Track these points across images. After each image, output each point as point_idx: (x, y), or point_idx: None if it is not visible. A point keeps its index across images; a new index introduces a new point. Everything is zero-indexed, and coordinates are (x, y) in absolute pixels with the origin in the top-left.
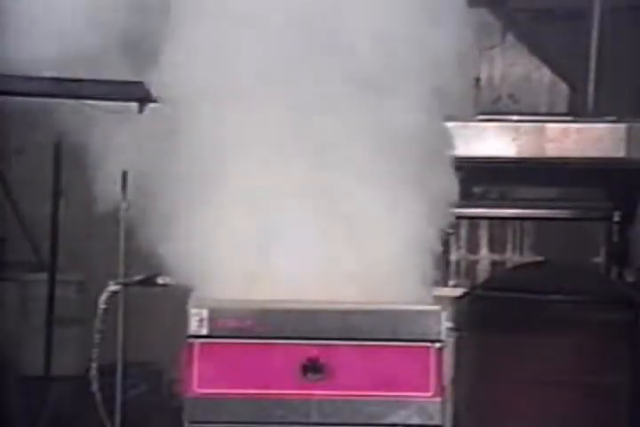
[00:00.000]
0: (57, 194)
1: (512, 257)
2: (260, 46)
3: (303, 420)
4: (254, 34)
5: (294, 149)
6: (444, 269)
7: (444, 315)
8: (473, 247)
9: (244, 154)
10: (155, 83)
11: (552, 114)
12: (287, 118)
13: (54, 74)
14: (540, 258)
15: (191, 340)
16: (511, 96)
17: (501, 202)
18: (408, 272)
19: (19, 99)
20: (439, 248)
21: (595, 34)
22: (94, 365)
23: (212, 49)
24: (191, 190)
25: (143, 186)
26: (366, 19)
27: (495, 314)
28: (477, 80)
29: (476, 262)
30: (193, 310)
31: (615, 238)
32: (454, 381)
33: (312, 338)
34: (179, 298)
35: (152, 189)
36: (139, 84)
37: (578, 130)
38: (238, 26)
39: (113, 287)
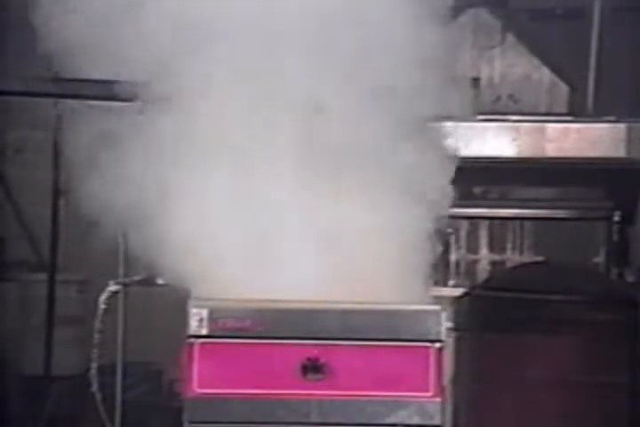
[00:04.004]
0: (57, 194)
1: (512, 257)
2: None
3: (303, 420)
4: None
5: (292, 148)
6: (444, 269)
7: (443, 315)
8: (473, 247)
9: (241, 155)
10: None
11: (552, 114)
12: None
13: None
14: (540, 258)
15: (191, 340)
16: (511, 96)
17: (501, 202)
18: (407, 272)
19: (19, 98)
20: (438, 248)
21: (595, 34)
22: (94, 365)
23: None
24: (189, 191)
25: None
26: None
27: (495, 314)
28: (477, 80)
29: (475, 262)
30: (193, 310)
31: (615, 238)
32: (454, 381)
33: (312, 338)
34: (179, 298)
35: (150, 190)
36: (139, 84)
37: (578, 130)
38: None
39: (113, 287)
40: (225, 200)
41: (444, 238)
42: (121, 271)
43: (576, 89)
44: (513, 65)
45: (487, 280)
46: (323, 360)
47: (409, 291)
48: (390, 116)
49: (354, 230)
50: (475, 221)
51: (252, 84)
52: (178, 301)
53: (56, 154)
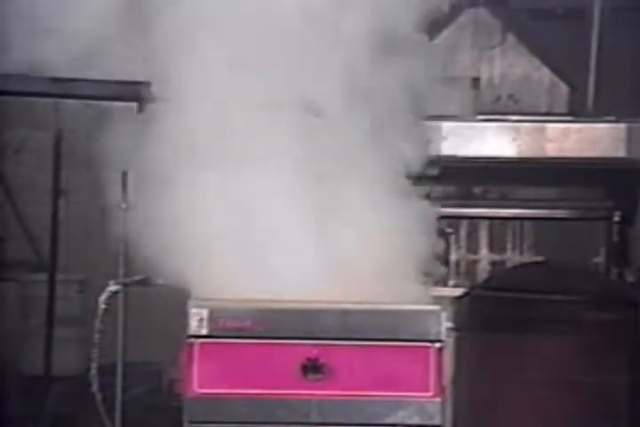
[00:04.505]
0: (57, 194)
1: (512, 257)
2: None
3: (303, 420)
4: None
5: (291, 149)
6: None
7: (443, 315)
8: (473, 247)
9: (240, 153)
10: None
11: (552, 114)
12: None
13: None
14: (540, 258)
15: (191, 340)
16: (511, 96)
17: (501, 202)
18: (407, 272)
19: (19, 98)
20: (439, 248)
21: (595, 34)
22: (94, 365)
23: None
24: (189, 191)
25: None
26: None
27: (495, 314)
28: (477, 80)
29: (475, 262)
30: (193, 310)
31: (615, 238)
32: (454, 381)
33: (312, 338)
34: (179, 298)
35: (149, 190)
36: (139, 83)
37: (578, 130)
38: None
39: (113, 287)
40: (224, 201)
41: (443, 238)
42: (121, 271)
43: (576, 89)
44: (513, 65)
45: (487, 280)
46: (323, 360)
47: (409, 291)
48: (386, 115)
49: (353, 231)
50: (475, 221)
51: (248, 84)
52: (178, 301)
53: (56, 154)
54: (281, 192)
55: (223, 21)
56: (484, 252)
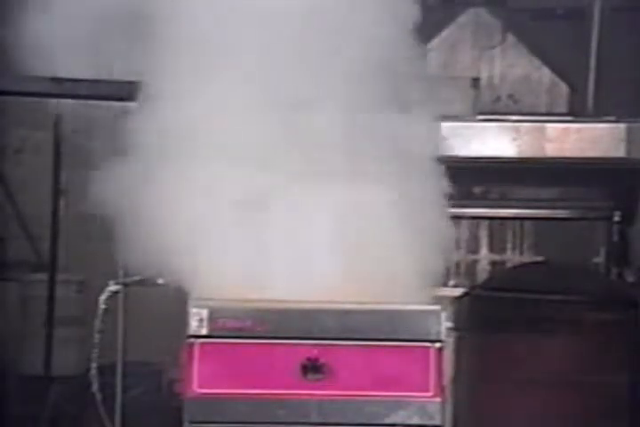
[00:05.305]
0: (57, 194)
1: (512, 257)
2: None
3: (303, 420)
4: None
5: (292, 147)
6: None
7: (443, 315)
8: (473, 247)
9: (241, 152)
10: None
11: (552, 114)
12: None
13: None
14: (539, 258)
15: (191, 340)
16: (511, 96)
17: (501, 202)
18: (408, 272)
19: (19, 98)
20: (441, 248)
21: (595, 34)
22: (94, 365)
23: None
24: (186, 190)
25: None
26: None
27: (495, 314)
28: (477, 80)
29: (475, 262)
30: (193, 310)
31: (615, 238)
32: (454, 381)
33: (312, 338)
34: (179, 298)
35: (147, 190)
36: (138, 84)
37: (578, 130)
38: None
39: (113, 287)
40: (227, 199)
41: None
42: (121, 271)
43: (576, 89)
44: (513, 65)
45: (487, 280)
46: (323, 360)
47: (412, 292)
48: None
49: (359, 232)
50: (475, 221)
51: (242, 82)
52: (178, 301)
53: (56, 154)
54: (287, 193)
55: (222, 20)
56: (484, 252)
